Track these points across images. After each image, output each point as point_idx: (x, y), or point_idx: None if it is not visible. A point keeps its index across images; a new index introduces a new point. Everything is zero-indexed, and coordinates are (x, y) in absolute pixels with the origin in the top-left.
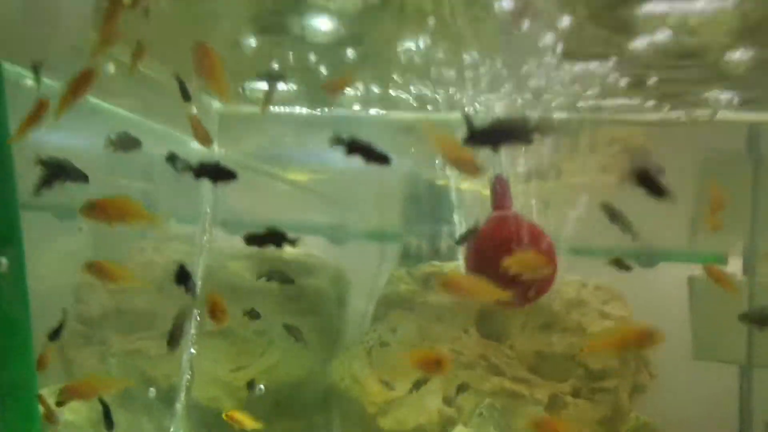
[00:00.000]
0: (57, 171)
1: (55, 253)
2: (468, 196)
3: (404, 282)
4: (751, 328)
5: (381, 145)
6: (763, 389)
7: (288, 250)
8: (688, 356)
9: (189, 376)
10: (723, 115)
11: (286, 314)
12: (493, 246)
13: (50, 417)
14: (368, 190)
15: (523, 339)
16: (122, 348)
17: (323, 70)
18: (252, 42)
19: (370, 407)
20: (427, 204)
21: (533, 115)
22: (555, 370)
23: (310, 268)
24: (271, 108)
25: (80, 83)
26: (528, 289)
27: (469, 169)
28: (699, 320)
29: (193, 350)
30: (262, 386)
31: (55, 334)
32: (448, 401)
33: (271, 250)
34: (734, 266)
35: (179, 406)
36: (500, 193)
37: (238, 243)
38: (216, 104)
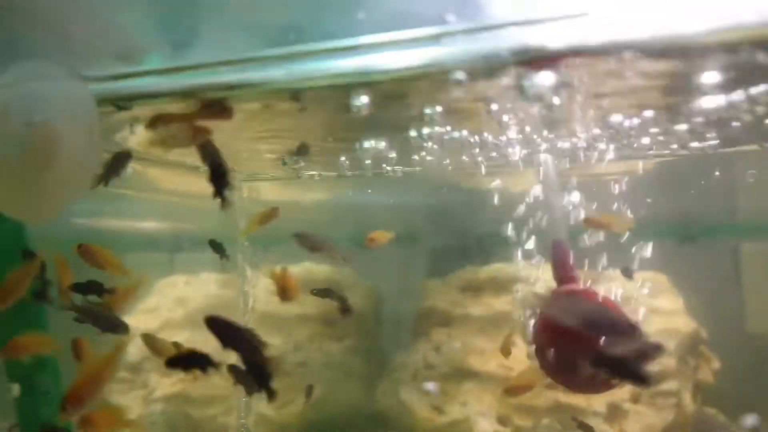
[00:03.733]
0: None
1: None
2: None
3: (440, 293)
4: None
5: None
6: None
7: (318, 268)
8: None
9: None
10: None
11: (324, 341)
12: (572, 337)
13: None
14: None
15: None
16: (165, 391)
17: None
18: None
19: None
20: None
21: None
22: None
23: (342, 286)
24: None
25: None
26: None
27: None
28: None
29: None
30: None
31: None
32: (502, 421)
33: (314, 270)
34: None
35: None
36: (561, 264)
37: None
38: None
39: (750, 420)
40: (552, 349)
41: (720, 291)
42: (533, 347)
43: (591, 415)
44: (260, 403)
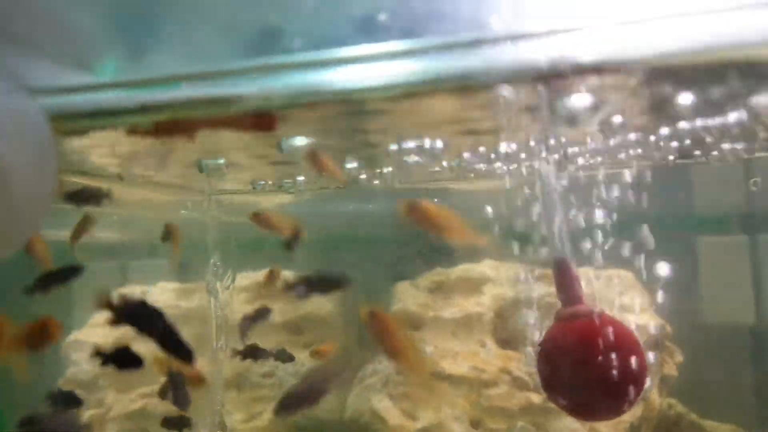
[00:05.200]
0: None
1: None
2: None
3: (411, 296)
4: None
5: None
6: None
7: (286, 274)
8: None
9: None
10: None
11: (292, 349)
12: (579, 361)
13: None
14: None
15: None
16: (124, 409)
17: None
18: None
19: None
20: None
21: None
22: None
23: None
24: None
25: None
26: (624, 401)
27: None
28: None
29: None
30: None
31: None
32: (475, 425)
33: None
34: None
35: None
36: (566, 283)
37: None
38: None
39: None
40: (561, 380)
41: (681, 285)
42: (538, 372)
43: (565, 416)
44: (228, 417)
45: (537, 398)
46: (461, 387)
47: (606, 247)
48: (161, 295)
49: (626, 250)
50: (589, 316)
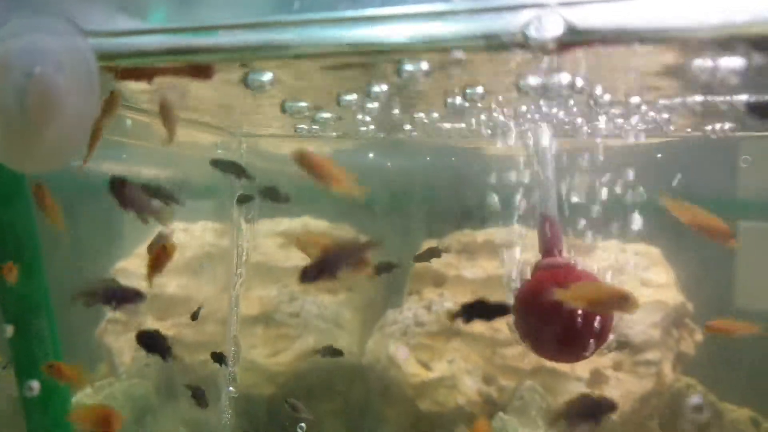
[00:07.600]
0: None
1: None
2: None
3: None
4: None
5: None
6: None
7: (316, 223)
8: None
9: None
10: None
11: (318, 293)
12: (541, 304)
13: None
14: None
15: None
16: None
17: None
18: None
19: (408, 389)
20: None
21: None
22: None
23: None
24: None
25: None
26: (586, 344)
27: None
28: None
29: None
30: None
31: None
32: (487, 381)
33: (312, 225)
34: None
35: (223, 395)
36: (549, 236)
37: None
38: None
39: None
40: (529, 320)
41: (713, 266)
42: (513, 314)
43: (574, 380)
44: (251, 351)
45: (548, 362)
46: (477, 344)
47: (637, 223)
48: (202, 233)
49: (658, 227)
50: (561, 267)
